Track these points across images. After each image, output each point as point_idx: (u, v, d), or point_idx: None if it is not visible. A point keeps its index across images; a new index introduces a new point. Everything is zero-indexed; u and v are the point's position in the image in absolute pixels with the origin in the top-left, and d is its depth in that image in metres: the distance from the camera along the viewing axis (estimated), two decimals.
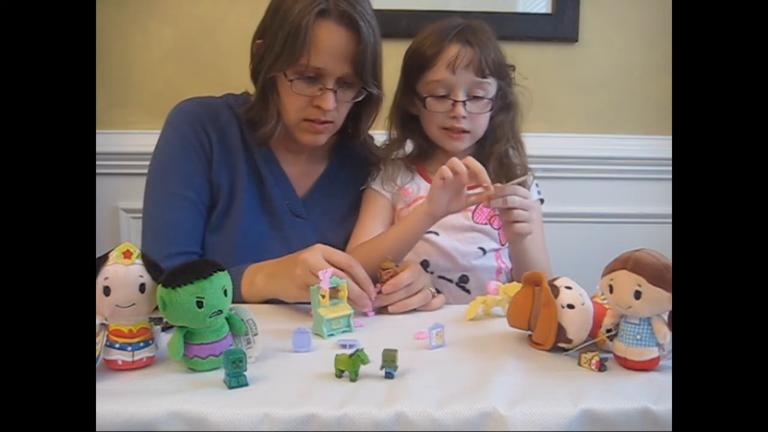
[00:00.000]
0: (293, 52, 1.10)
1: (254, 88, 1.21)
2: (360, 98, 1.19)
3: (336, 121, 1.20)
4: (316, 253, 0.98)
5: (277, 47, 1.11)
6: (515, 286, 0.95)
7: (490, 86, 1.23)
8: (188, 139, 1.20)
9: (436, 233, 1.24)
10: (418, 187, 1.29)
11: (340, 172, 1.32)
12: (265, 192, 1.24)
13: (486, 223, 1.27)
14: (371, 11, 1.15)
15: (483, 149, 1.28)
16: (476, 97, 1.22)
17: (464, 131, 1.23)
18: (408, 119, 1.29)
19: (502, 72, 1.25)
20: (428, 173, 1.30)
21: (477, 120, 1.24)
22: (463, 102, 1.21)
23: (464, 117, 1.21)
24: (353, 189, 1.32)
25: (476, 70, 1.20)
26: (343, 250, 1.20)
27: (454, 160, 1.07)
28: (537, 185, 1.35)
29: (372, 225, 1.27)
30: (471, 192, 1.12)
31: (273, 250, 1.14)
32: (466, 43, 1.20)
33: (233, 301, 0.79)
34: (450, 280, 1.26)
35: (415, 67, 1.24)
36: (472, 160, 1.07)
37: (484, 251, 1.26)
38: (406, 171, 1.31)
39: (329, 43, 1.10)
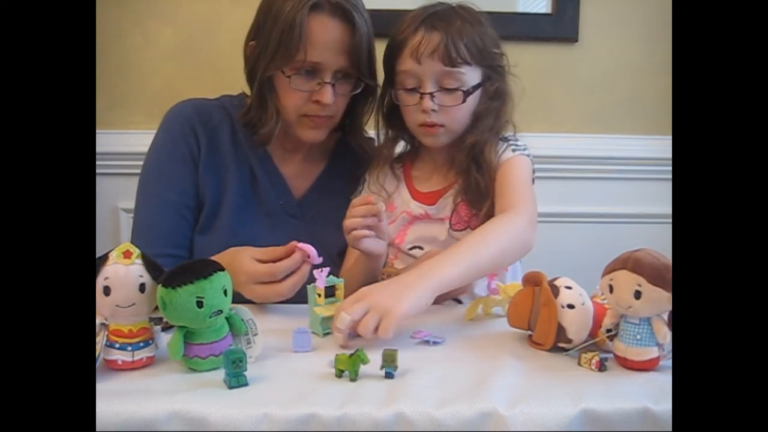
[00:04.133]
0: (289, 48, 1.10)
1: (250, 91, 1.21)
2: (358, 90, 1.19)
3: (335, 115, 1.20)
4: (246, 260, 1.00)
5: (272, 45, 1.11)
6: (515, 286, 0.95)
7: (465, 76, 1.11)
8: (176, 143, 1.20)
9: (421, 248, 1.17)
10: (403, 201, 1.21)
11: (339, 172, 1.30)
12: (259, 192, 1.23)
13: (465, 228, 1.15)
14: (362, 2, 1.16)
15: (459, 140, 1.17)
16: (448, 89, 1.11)
17: (437, 125, 1.12)
18: (395, 115, 1.20)
19: (487, 59, 1.13)
20: (412, 178, 1.23)
21: (451, 113, 1.12)
22: (431, 94, 1.10)
23: (434, 110, 1.11)
24: (351, 190, 1.28)
25: (444, 59, 1.08)
26: (340, 251, 1.19)
27: (350, 209, 1.06)
28: (508, 142, 1.17)
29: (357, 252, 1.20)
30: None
31: None
32: (431, 30, 1.09)
33: None
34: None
35: (389, 57, 1.16)
36: (356, 201, 1.07)
37: None
38: (392, 177, 1.24)
39: (324, 36, 1.11)
